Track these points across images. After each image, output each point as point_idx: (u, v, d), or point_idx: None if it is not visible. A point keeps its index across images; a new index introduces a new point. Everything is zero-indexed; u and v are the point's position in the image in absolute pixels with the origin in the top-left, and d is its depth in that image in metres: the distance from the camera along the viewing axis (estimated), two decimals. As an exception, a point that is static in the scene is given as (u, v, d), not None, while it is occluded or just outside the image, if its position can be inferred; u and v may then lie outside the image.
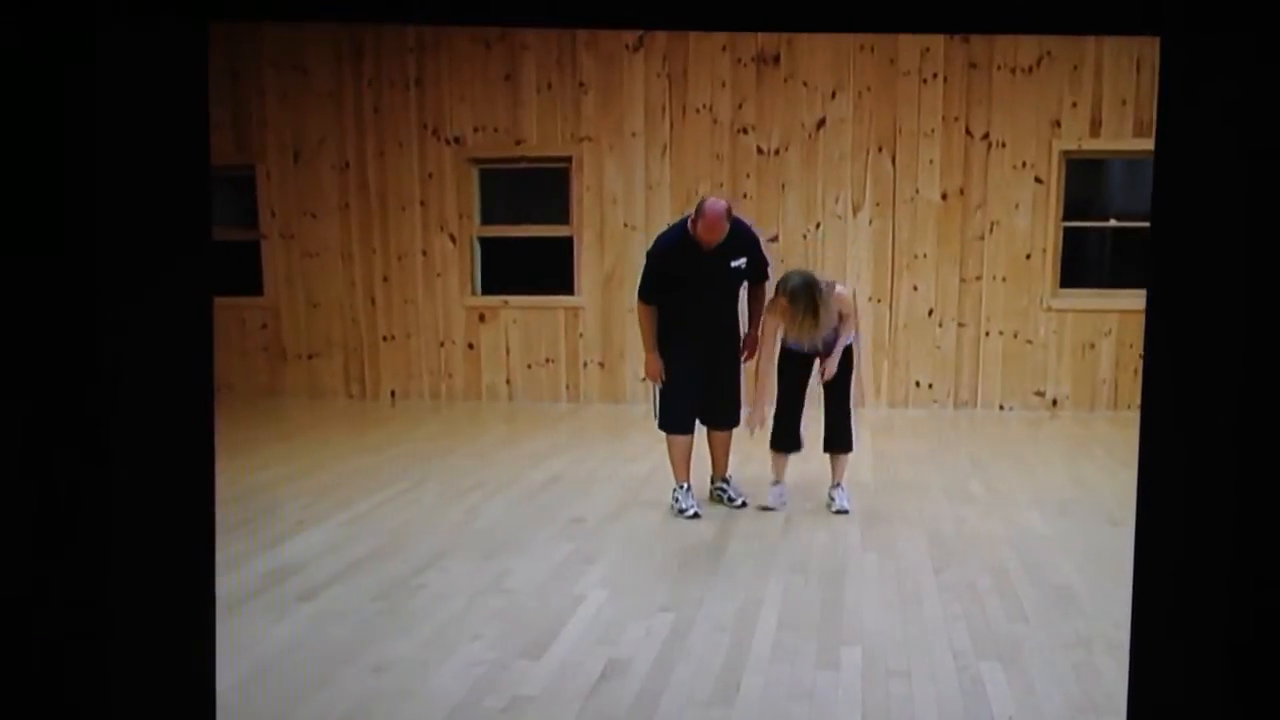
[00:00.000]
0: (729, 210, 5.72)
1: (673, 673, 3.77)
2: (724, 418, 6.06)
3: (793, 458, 6.07)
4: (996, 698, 3.56)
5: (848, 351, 5.87)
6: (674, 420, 5.96)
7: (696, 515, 5.81)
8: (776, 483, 6.04)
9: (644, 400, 9.12)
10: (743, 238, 5.86)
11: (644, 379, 6.26)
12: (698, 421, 6.01)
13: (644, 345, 5.99)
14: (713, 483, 6.15)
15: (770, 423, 5.97)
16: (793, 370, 5.91)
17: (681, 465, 5.97)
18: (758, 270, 5.99)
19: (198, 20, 1.27)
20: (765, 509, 5.90)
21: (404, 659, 3.91)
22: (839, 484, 5.98)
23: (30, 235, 1.24)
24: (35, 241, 1.24)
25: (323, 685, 3.69)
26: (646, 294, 5.88)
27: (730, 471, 6.17)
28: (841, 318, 5.72)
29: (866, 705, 3.53)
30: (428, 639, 4.10)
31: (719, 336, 5.98)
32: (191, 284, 1.36)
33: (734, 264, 5.84)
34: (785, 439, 6.02)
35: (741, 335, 6.07)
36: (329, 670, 3.81)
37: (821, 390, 5.95)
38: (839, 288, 5.78)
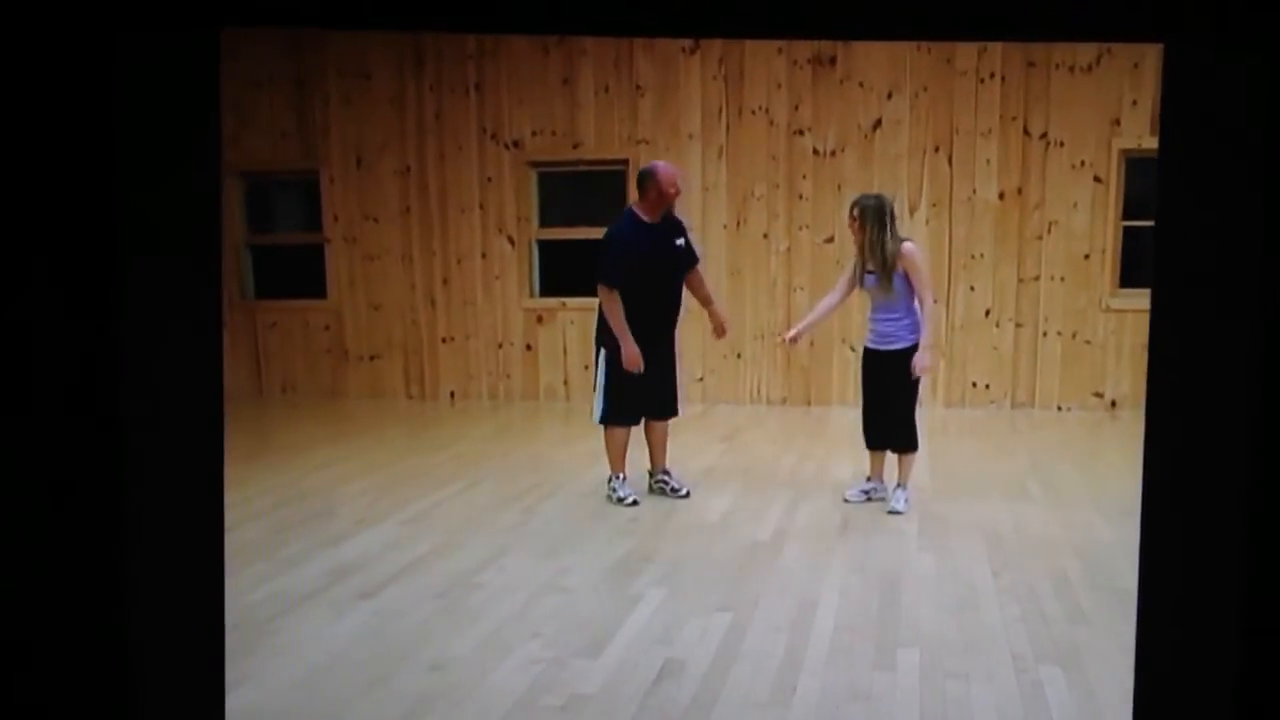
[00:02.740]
0: None
1: (729, 673, 3.79)
2: (669, 407, 6.25)
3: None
4: (1056, 701, 3.54)
5: (913, 350, 5.83)
6: (624, 413, 6.08)
7: (635, 503, 6.03)
8: (869, 479, 6.14)
9: (692, 400, 9.16)
10: (674, 219, 6.12)
11: (593, 375, 6.28)
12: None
13: (619, 335, 5.92)
14: (652, 476, 6.29)
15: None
16: (864, 369, 6.07)
17: (620, 457, 6.12)
18: (691, 253, 6.22)
19: (211, 27, 1.30)
20: (846, 501, 6.06)
21: (462, 657, 3.97)
22: (901, 484, 5.98)
23: (46, 239, 1.27)
24: (50, 246, 1.27)
25: (382, 683, 3.75)
26: (617, 277, 5.92)
27: (670, 463, 6.32)
28: (908, 277, 5.75)
29: (924, 708, 3.53)
30: (486, 637, 4.16)
31: (665, 326, 6.12)
32: (203, 290, 1.38)
33: (678, 242, 6.07)
34: (867, 435, 6.12)
35: (678, 325, 6.24)
36: (388, 668, 3.87)
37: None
38: (906, 243, 5.81)
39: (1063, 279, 8.91)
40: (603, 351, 6.08)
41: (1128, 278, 8.89)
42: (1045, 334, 9.00)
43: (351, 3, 1.31)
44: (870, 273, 5.79)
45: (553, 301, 9.76)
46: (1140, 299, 8.80)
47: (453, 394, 10.00)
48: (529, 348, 9.83)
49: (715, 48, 9.11)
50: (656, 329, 6.05)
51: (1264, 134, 1.10)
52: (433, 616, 4.40)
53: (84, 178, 1.27)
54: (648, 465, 6.31)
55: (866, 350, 6.03)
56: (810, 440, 7.94)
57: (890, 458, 6.08)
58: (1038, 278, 8.95)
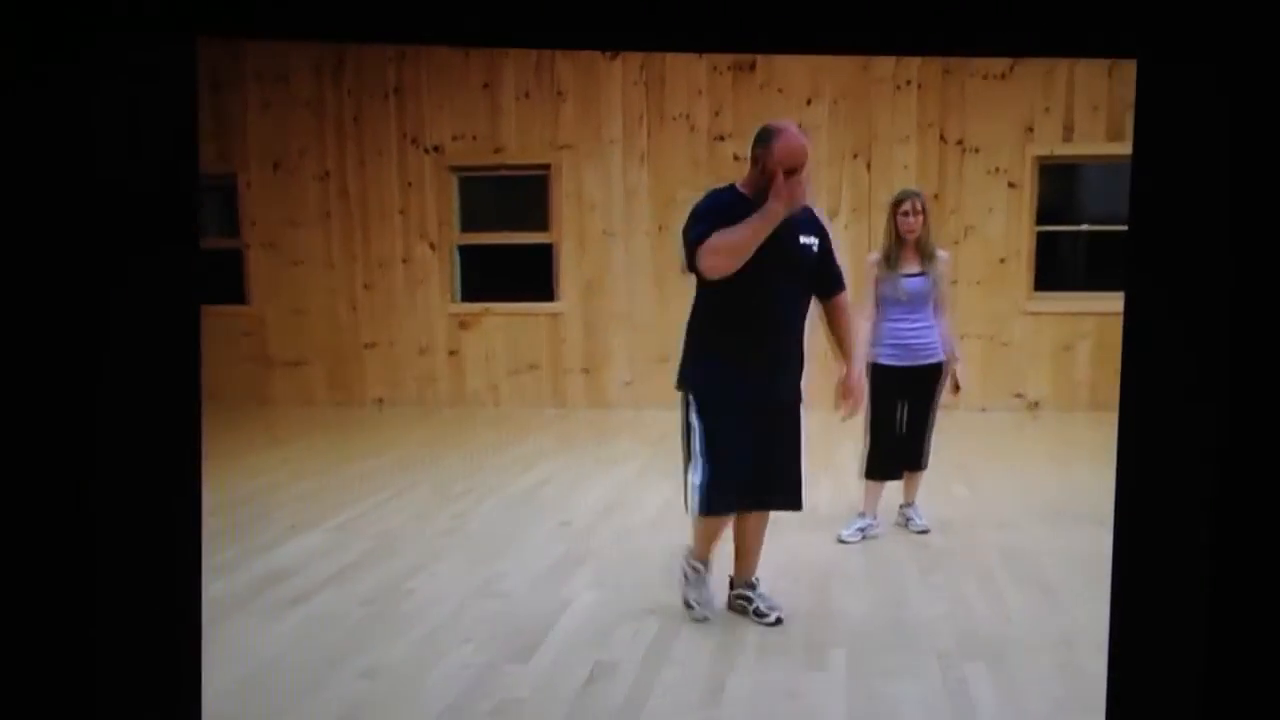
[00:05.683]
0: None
1: (660, 674, 3.81)
2: (779, 496, 4.31)
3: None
4: (981, 698, 3.61)
5: (943, 366, 5.49)
6: (721, 498, 4.18)
7: (706, 619, 4.31)
8: (863, 514, 5.48)
9: (629, 407, 9.17)
10: (813, 217, 4.22)
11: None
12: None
13: (752, 222, 3.89)
14: (732, 588, 4.44)
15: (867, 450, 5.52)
16: (887, 389, 5.39)
17: (708, 542, 4.38)
18: (830, 270, 4.25)
19: (186, 36, 1.30)
20: (841, 542, 5.36)
21: (394, 663, 3.95)
22: (913, 503, 5.67)
23: (22, 243, 1.26)
24: (27, 249, 1.26)
25: (314, 690, 3.72)
26: (700, 238, 3.95)
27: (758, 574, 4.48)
28: (938, 281, 5.40)
29: (852, 706, 3.58)
30: (418, 643, 4.14)
31: (772, 363, 4.16)
32: (180, 294, 1.38)
33: (804, 239, 4.11)
34: (882, 465, 5.52)
35: (803, 373, 4.24)
36: (320, 675, 3.84)
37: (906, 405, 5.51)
38: (942, 251, 5.48)
39: (980, 283, 9.07)
40: (690, 397, 4.20)
41: (1043, 281, 9.08)
42: (964, 336, 9.11)
43: (330, 15, 1.32)
44: (915, 275, 5.31)
45: (476, 307, 9.72)
46: (1056, 302, 9.00)
47: (380, 400, 9.91)
48: (453, 353, 9.78)
49: (636, 54, 9.15)
50: (759, 365, 4.12)
51: (1231, 141, 1.14)
52: (364, 623, 4.37)
53: (63, 180, 1.27)
54: (730, 571, 4.50)
55: (895, 369, 5.37)
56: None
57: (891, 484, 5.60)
58: (956, 281, 9.06)
